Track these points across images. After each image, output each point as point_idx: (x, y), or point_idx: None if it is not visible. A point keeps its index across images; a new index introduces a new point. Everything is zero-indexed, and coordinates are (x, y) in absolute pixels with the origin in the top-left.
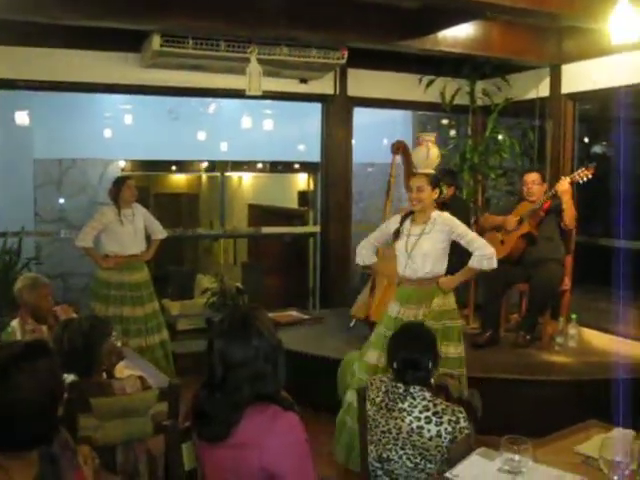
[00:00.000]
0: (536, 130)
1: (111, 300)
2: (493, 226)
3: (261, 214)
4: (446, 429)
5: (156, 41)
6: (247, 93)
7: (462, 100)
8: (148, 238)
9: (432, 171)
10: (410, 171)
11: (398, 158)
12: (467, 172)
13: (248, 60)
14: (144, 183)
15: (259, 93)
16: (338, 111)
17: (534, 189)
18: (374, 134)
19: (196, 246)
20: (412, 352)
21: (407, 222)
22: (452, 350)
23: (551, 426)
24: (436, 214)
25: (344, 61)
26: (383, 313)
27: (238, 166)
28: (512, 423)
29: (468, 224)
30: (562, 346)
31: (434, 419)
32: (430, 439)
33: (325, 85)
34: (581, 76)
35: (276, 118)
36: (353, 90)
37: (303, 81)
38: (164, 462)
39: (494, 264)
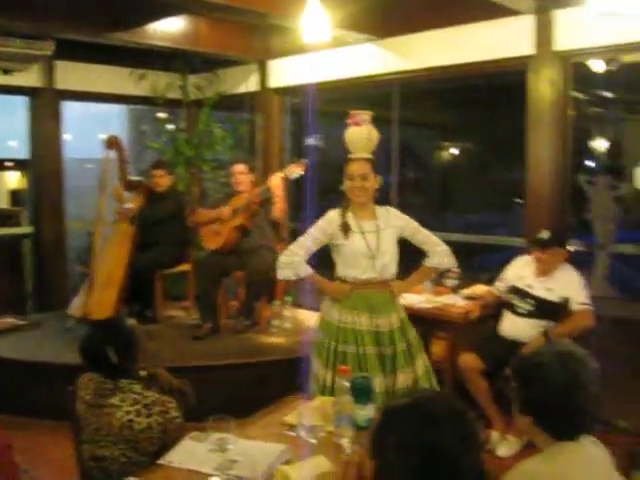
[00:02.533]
0: (248, 123)
1: None
2: (208, 220)
3: None
4: (157, 420)
5: None
6: None
7: (176, 94)
8: None
9: (370, 156)
10: (124, 167)
11: (111, 153)
12: (182, 166)
13: None
14: None
15: None
16: (46, 105)
17: (240, 178)
18: (90, 129)
19: None
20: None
21: (348, 218)
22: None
23: (272, 402)
24: (383, 208)
25: (50, 52)
26: (105, 310)
27: None
28: (235, 405)
29: (184, 217)
30: (279, 328)
31: (144, 411)
32: (141, 431)
33: (31, 77)
34: (286, 71)
35: None
36: (62, 83)
37: (6, 72)
38: None
39: (454, 262)
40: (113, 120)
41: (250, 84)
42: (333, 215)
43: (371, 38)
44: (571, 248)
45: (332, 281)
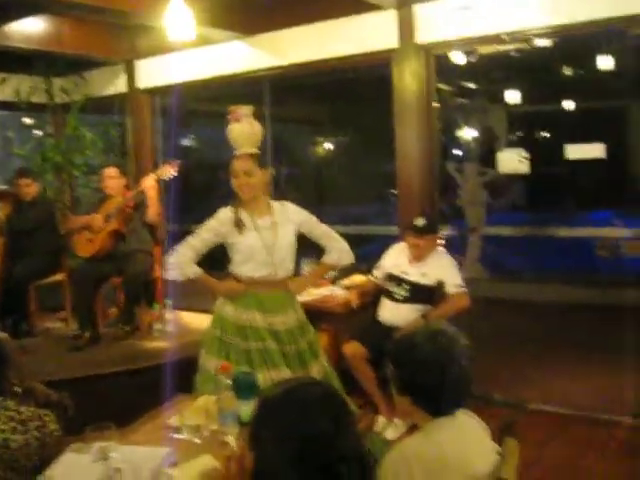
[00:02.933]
0: (118, 126)
1: None
2: (80, 227)
3: None
4: (34, 435)
5: None
6: None
7: (41, 98)
8: None
9: (257, 150)
10: None
11: None
12: (50, 172)
13: None
14: None
15: None
16: None
17: (111, 183)
18: None
19: None
20: None
21: (242, 215)
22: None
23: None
24: (278, 202)
25: None
26: None
27: None
28: (121, 414)
29: (56, 225)
30: (161, 331)
31: (20, 428)
32: (18, 449)
33: None
34: (154, 71)
35: None
36: None
37: None
38: None
39: (352, 257)
40: None
41: (118, 85)
42: (224, 213)
43: (238, 36)
44: (444, 233)
45: (224, 280)
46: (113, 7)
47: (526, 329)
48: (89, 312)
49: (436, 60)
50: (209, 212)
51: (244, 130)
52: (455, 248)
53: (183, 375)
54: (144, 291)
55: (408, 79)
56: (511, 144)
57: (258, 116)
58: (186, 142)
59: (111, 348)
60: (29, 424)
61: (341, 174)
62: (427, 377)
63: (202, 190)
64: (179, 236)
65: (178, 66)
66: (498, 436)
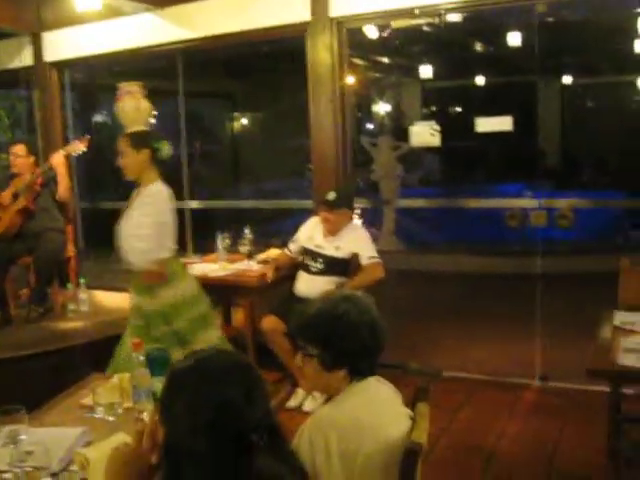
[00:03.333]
0: (25, 101)
1: None
2: None
3: None
4: None
5: None
6: None
7: None
8: None
9: (144, 127)
10: None
11: None
12: None
13: None
14: None
15: None
16: None
17: (18, 161)
18: None
19: None
20: None
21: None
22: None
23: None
24: (156, 186)
25: None
26: None
27: None
28: (35, 398)
29: None
30: (75, 312)
31: None
32: None
33: None
34: (63, 44)
35: None
36: None
37: None
38: None
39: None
40: None
41: (24, 58)
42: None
43: (148, 7)
44: (359, 207)
45: None
46: None
47: (440, 299)
48: None
49: (349, 34)
50: (122, 189)
51: (130, 107)
52: (370, 221)
53: (98, 356)
54: (57, 270)
55: (321, 53)
56: (425, 118)
57: (172, 91)
58: (98, 118)
59: (23, 330)
60: None
61: (257, 149)
62: (363, 342)
63: (114, 167)
64: (91, 214)
65: (87, 39)
66: (412, 402)
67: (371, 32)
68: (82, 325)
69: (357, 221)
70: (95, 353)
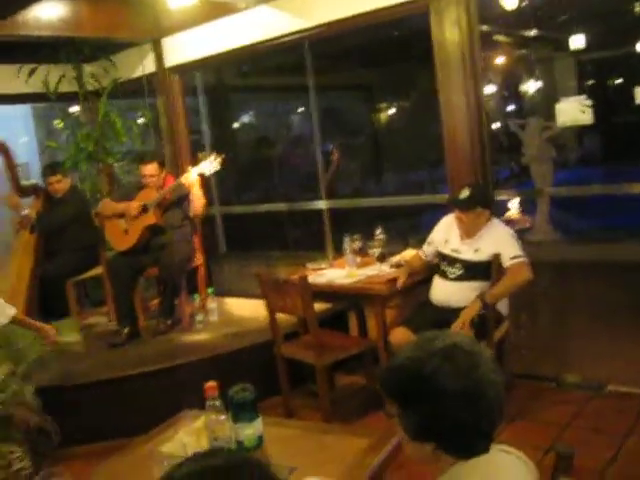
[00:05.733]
0: (151, 108)
1: None
2: (114, 213)
3: None
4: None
5: None
6: None
7: (71, 86)
8: None
9: None
10: (14, 173)
11: None
12: (84, 162)
13: None
14: None
15: None
16: None
17: (148, 180)
18: None
19: None
20: None
21: None
22: None
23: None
24: None
25: None
26: None
27: None
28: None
29: (90, 219)
30: (203, 323)
31: None
32: None
33: None
34: (182, 48)
35: None
36: None
37: None
38: None
39: None
40: (18, 122)
41: (147, 66)
42: None
43: (262, 0)
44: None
45: None
46: None
47: (606, 295)
48: (127, 307)
49: (480, 6)
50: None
51: None
52: (524, 209)
53: (222, 370)
54: (184, 281)
55: (448, 29)
56: (579, 94)
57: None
58: (230, 120)
59: (150, 343)
60: None
61: (400, 140)
62: (455, 412)
63: (253, 169)
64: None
65: (205, 40)
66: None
67: (508, 2)
68: (210, 337)
69: (496, 219)
70: (219, 367)
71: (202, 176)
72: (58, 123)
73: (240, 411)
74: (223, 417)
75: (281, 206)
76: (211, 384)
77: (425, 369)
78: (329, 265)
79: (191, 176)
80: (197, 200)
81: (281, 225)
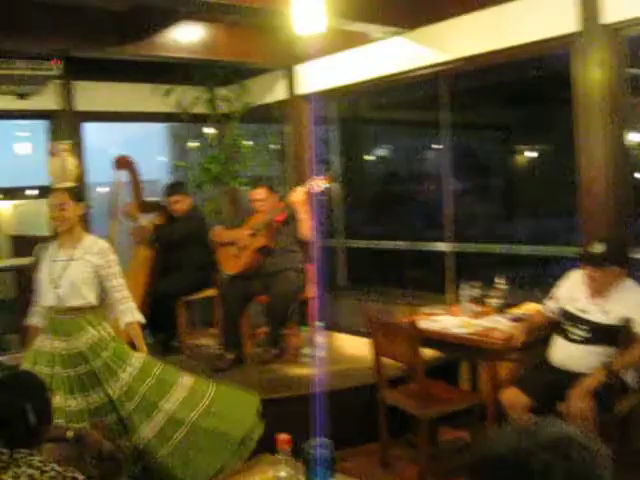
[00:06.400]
0: (278, 135)
1: None
2: (226, 241)
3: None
4: None
5: None
6: None
7: (204, 108)
8: None
9: (72, 184)
10: (138, 189)
11: (122, 175)
12: (209, 183)
13: None
14: None
15: None
16: (65, 128)
17: (258, 205)
18: (130, 151)
19: None
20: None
21: (52, 247)
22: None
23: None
24: (95, 239)
25: (57, 72)
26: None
27: None
28: None
29: (206, 238)
30: (309, 356)
31: None
32: None
33: (48, 100)
34: (314, 76)
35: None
36: (82, 104)
37: (22, 96)
38: None
39: (140, 317)
40: (153, 140)
41: (278, 92)
42: (38, 248)
43: (398, 31)
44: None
45: None
46: (267, 7)
47: None
48: (234, 332)
49: (630, 45)
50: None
51: (57, 165)
52: None
53: (322, 409)
54: (291, 311)
55: (591, 68)
56: None
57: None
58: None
59: (253, 372)
60: None
61: (539, 185)
62: None
63: (381, 203)
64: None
65: (337, 69)
66: None
67: None
68: (311, 373)
69: (630, 280)
70: (318, 405)
71: (309, 194)
72: (192, 143)
73: (315, 468)
74: (294, 473)
75: (403, 244)
76: (284, 437)
77: (530, 465)
78: (445, 311)
79: (297, 195)
80: (303, 219)
81: (402, 262)
